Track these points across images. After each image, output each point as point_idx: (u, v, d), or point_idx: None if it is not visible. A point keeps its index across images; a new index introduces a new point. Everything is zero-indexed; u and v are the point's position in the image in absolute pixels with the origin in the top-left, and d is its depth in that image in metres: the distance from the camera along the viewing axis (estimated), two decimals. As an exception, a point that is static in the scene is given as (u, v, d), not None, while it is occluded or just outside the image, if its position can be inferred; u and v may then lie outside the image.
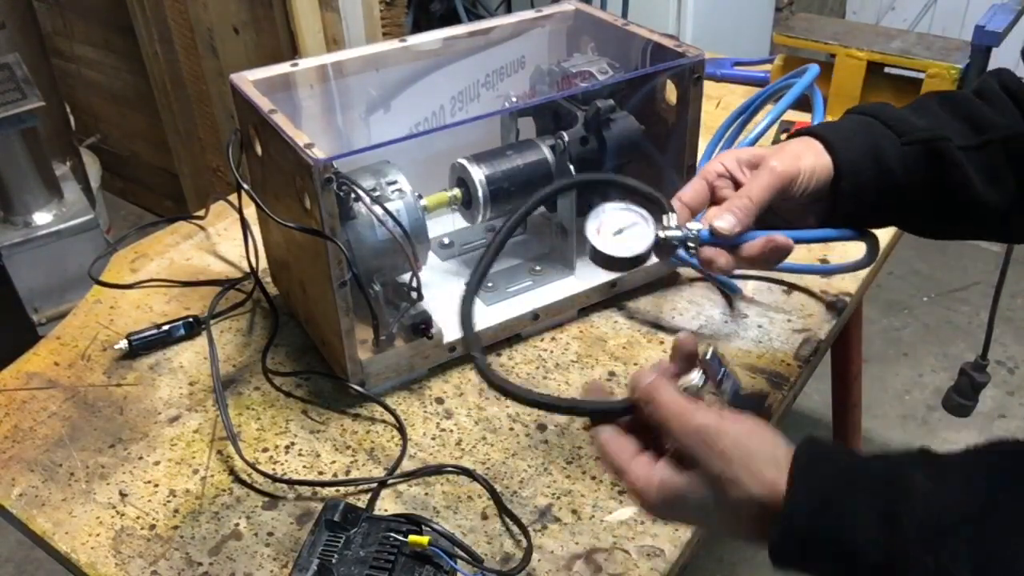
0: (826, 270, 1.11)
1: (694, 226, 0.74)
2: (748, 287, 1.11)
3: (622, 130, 1.04)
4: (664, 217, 0.74)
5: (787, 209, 0.77)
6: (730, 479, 0.57)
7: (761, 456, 0.58)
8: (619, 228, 0.74)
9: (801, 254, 1.15)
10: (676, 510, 0.62)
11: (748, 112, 1.20)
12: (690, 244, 0.74)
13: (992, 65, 1.30)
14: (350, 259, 0.86)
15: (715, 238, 0.73)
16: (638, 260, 0.73)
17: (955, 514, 0.51)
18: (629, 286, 1.09)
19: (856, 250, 1.11)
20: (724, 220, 0.73)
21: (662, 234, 0.73)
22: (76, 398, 0.99)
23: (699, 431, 0.59)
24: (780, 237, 0.74)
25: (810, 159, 0.75)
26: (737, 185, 0.77)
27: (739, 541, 0.64)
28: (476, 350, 0.68)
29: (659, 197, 0.75)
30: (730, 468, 0.58)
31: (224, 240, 1.24)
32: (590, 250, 0.74)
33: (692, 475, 0.60)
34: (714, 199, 0.77)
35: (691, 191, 0.77)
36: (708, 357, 0.64)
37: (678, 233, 0.73)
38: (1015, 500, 0.51)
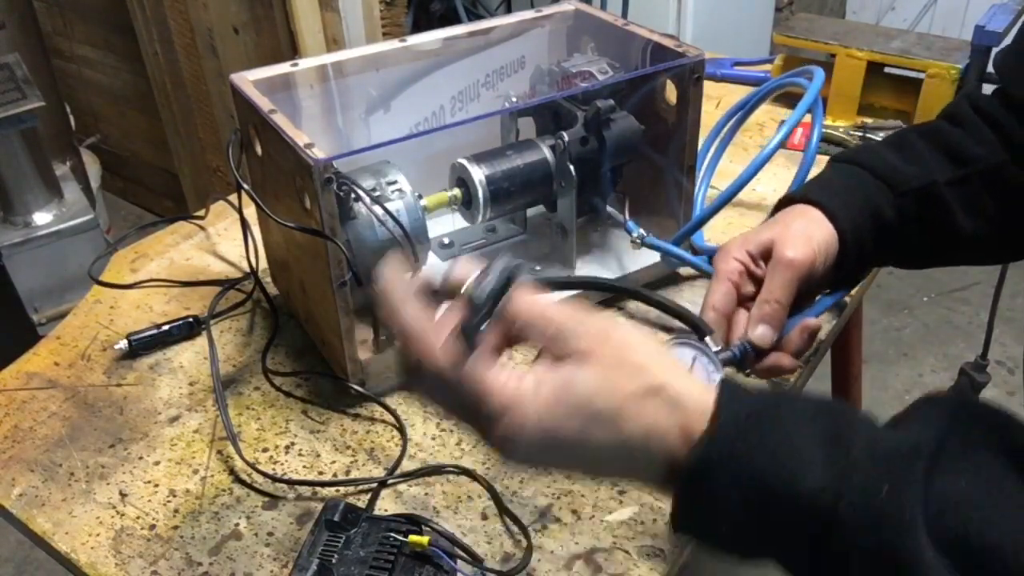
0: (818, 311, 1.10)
1: (736, 339, 0.76)
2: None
3: (622, 130, 1.04)
4: (708, 340, 0.75)
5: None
6: (654, 383, 0.49)
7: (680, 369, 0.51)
8: (687, 363, 0.74)
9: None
10: (563, 421, 0.50)
11: (744, 110, 1.20)
12: (745, 365, 0.76)
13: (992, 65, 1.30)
14: (350, 259, 0.86)
15: (753, 350, 0.75)
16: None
17: (904, 448, 0.47)
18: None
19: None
20: (762, 334, 0.73)
21: (722, 360, 0.74)
22: (76, 398, 0.99)
23: (601, 331, 0.50)
24: (811, 321, 0.76)
25: (818, 235, 0.75)
26: (753, 278, 0.78)
27: (628, 480, 0.54)
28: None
29: (698, 321, 0.76)
30: (652, 371, 0.49)
31: (224, 240, 1.24)
32: None
33: (590, 368, 0.49)
34: (738, 297, 0.78)
35: (720, 297, 0.77)
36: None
37: (730, 354, 0.75)
38: (963, 442, 0.47)
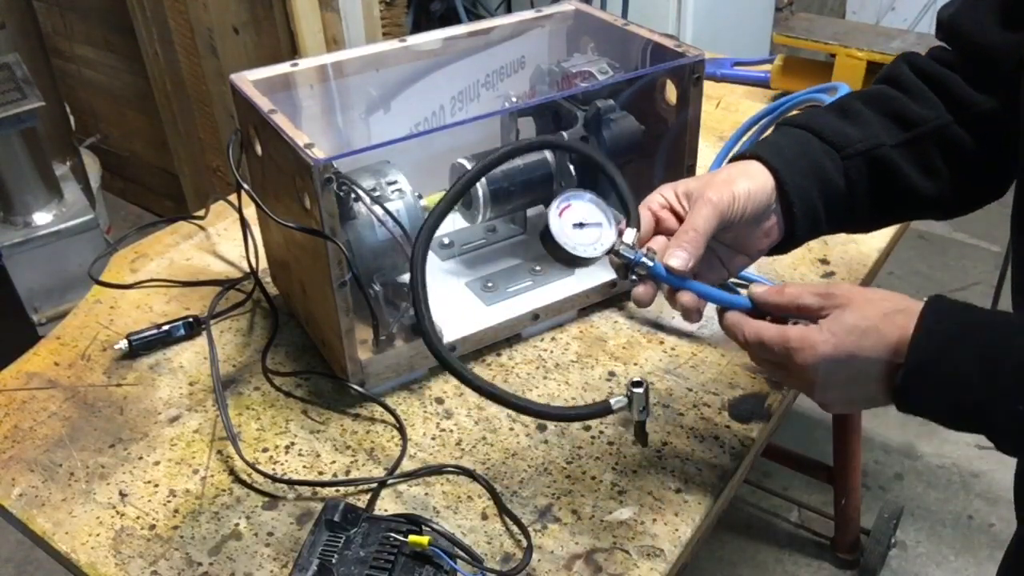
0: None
1: (646, 254, 0.73)
2: (743, 289, 1.10)
3: (622, 130, 1.04)
4: (626, 231, 0.73)
5: (736, 236, 0.78)
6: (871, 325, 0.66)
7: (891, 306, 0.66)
8: (581, 221, 0.74)
9: (802, 253, 1.15)
10: (846, 352, 0.66)
11: (770, 118, 1.19)
12: (637, 270, 0.73)
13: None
14: (350, 259, 0.86)
15: (669, 274, 0.73)
16: (585, 262, 0.73)
17: None
18: (629, 286, 1.09)
19: (856, 251, 1.11)
20: (677, 257, 0.73)
21: (619, 247, 0.73)
22: (76, 398, 0.98)
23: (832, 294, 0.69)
24: (698, 301, 0.76)
25: (744, 183, 0.76)
26: (677, 216, 0.78)
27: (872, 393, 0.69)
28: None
29: (633, 208, 0.75)
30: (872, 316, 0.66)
31: (224, 240, 1.24)
32: (543, 230, 0.73)
33: (850, 308, 0.67)
34: (658, 229, 0.78)
35: (643, 216, 0.77)
36: None
37: (631, 254, 0.73)
38: None
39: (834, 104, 0.84)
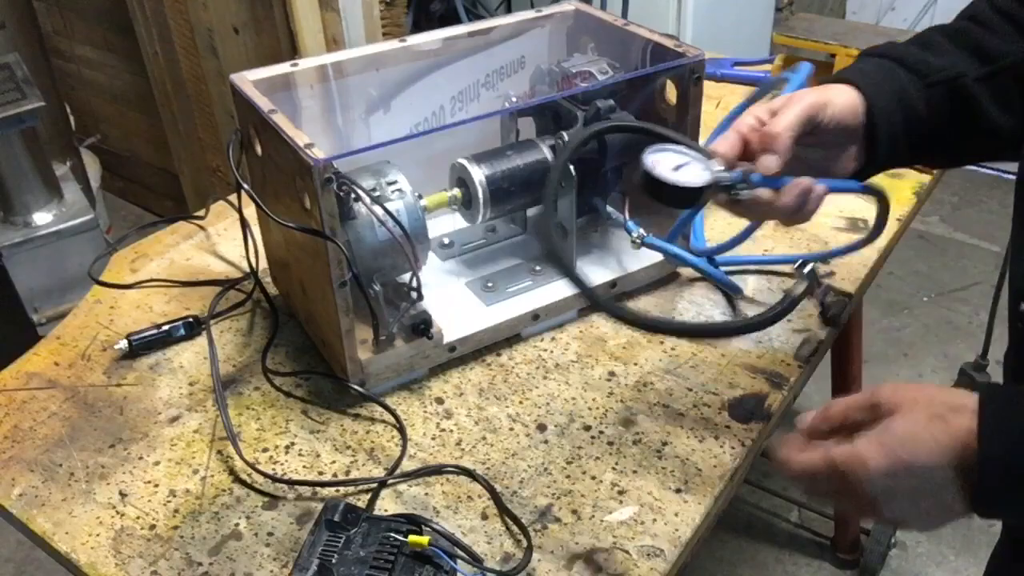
0: (833, 253, 1.12)
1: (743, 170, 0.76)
2: (748, 287, 1.11)
3: (622, 130, 1.04)
4: (713, 160, 0.76)
5: (822, 157, 0.80)
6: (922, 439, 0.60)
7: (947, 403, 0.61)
8: (677, 165, 0.76)
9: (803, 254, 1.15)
10: (902, 463, 0.61)
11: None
12: (739, 187, 0.75)
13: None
14: (350, 259, 0.86)
15: (764, 178, 0.75)
16: (698, 193, 0.75)
17: None
18: (629, 286, 1.09)
19: (857, 252, 1.10)
20: (766, 160, 0.74)
21: (717, 174, 0.75)
22: (76, 398, 0.98)
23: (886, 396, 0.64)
24: (815, 185, 0.76)
25: (837, 94, 0.78)
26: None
27: (942, 513, 0.63)
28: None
29: (701, 147, 0.78)
30: (920, 426, 0.61)
31: (224, 240, 1.24)
32: (646, 182, 0.75)
33: (899, 415, 0.62)
34: (746, 154, 0.78)
35: (726, 144, 0.78)
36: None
37: (728, 175, 0.75)
38: None
39: (915, 37, 0.86)
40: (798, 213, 0.77)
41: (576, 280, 0.84)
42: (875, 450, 0.61)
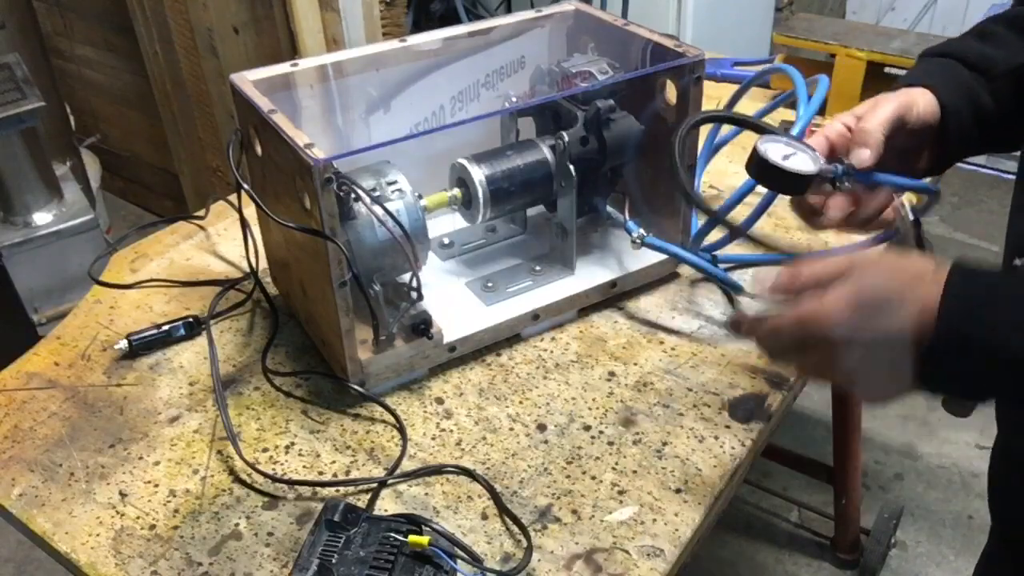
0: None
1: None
2: (749, 286, 1.11)
3: (622, 130, 1.04)
4: (815, 155, 0.80)
5: (901, 152, 0.82)
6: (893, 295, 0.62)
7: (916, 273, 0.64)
8: (785, 155, 0.79)
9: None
10: (868, 310, 0.63)
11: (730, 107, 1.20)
12: (838, 182, 0.79)
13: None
14: (350, 259, 0.86)
15: (854, 175, 0.79)
16: (807, 181, 0.79)
17: None
18: (629, 286, 1.09)
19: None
20: (859, 153, 0.78)
21: (822, 166, 0.79)
22: (76, 398, 0.98)
23: (853, 261, 0.66)
24: (898, 199, 0.82)
25: (921, 96, 0.82)
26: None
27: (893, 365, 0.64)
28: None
29: (801, 140, 0.82)
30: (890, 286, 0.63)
31: (224, 240, 1.24)
32: (760, 167, 0.79)
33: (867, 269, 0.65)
34: (833, 155, 0.82)
35: (816, 144, 0.81)
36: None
37: (833, 167, 0.79)
38: None
39: (973, 30, 0.89)
40: (872, 222, 0.82)
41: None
42: (843, 304, 0.63)
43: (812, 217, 0.82)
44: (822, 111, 1.49)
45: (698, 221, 1.13)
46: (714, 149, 1.26)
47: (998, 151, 0.92)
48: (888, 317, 0.62)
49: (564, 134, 1.01)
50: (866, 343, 0.63)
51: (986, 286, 0.62)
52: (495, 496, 0.85)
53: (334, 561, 0.74)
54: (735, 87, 1.58)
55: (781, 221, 1.09)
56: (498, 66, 1.13)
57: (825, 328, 0.63)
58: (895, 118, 0.79)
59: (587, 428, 0.92)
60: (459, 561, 0.75)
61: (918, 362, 0.62)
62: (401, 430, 0.92)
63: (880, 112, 0.80)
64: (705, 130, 1.19)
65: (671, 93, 1.03)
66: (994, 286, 0.62)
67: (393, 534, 0.76)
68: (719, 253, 1.10)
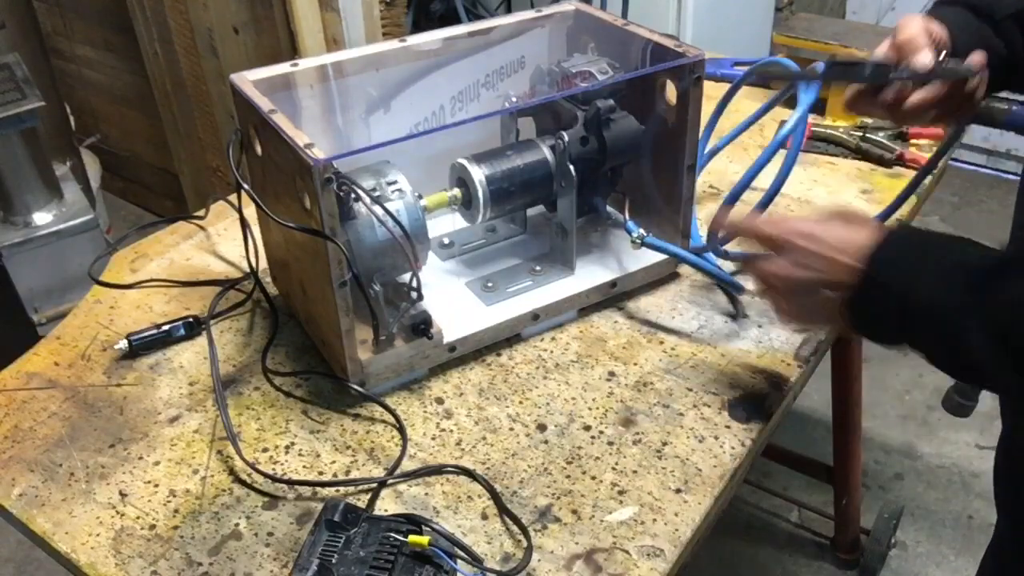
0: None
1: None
2: (748, 287, 1.11)
3: (622, 130, 1.04)
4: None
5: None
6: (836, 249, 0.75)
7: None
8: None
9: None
10: (823, 242, 0.76)
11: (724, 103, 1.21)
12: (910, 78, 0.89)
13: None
14: (350, 259, 0.86)
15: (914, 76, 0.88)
16: (886, 68, 0.89)
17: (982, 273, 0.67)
18: (629, 286, 1.09)
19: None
20: (922, 57, 0.87)
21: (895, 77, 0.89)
22: (76, 398, 0.99)
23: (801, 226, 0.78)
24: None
25: (938, 27, 0.91)
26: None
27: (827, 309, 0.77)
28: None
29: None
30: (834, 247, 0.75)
31: (224, 240, 1.24)
32: (835, 64, 0.91)
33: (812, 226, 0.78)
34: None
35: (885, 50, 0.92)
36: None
37: (900, 71, 0.89)
38: None
39: None
40: (947, 104, 0.89)
41: None
42: (811, 230, 0.77)
43: (895, 109, 0.90)
44: (822, 111, 1.50)
45: (698, 224, 1.13)
46: (714, 151, 1.26)
47: (1013, 91, 0.99)
48: (825, 272, 0.75)
49: (564, 134, 1.01)
50: (808, 291, 0.78)
51: (909, 245, 0.73)
52: (495, 496, 0.85)
53: (334, 561, 0.74)
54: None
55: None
56: (498, 66, 1.13)
57: (793, 244, 0.78)
58: (925, 27, 0.88)
59: (587, 428, 0.92)
60: (459, 561, 0.75)
61: (846, 307, 0.75)
62: (401, 430, 0.92)
63: (911, 23, 0.88)
64: (704, 129, 1.19)
65: (671, 93, 1.03)
66: (916, 245, 0.73)
67: (393, 534, 0.76)
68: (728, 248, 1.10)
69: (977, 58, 0.88)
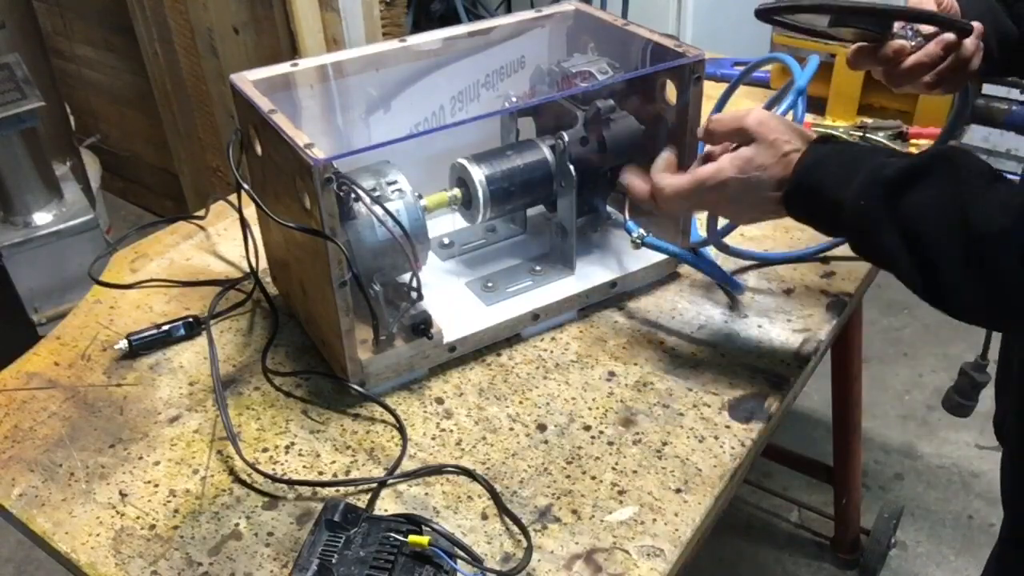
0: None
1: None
2: (749, 285, 1.11)
3: (622, 130, 1.04)
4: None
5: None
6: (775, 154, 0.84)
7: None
8: None
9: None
10: (747, 178, 0.84)
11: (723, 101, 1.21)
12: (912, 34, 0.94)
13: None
14: (350, 259, 0.86)
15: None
16: (890, 13, 0.92)
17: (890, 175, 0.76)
18: (629, 286, 1.09)
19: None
20: (925, 3, 0.92)
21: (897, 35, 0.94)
22: (76, 398, 0.99)
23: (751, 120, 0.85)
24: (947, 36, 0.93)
25: (950, 5, 0.95)
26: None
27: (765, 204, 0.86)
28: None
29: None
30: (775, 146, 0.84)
31: (224, 240, 1.24)
32: (850, 8, 0.91)
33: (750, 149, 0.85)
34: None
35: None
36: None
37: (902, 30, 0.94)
38: (939, 171, 0.76)
39: None
40: (943, 70, 0.94)
41: None
42: (734, 167, 0.85)
43: (893, 68, 0.95)
44: (822, 111, 1.50)
45: (698, 224, 1.13)
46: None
47: (1019, 75, 1.03)
48: (766, 171, 0.84)
49: (564, 134, 1.01)
50: (742, 193, 0.86)
51: (833, 152, 0.82)
52: (495, 496, 0.85)
53: (334, 561, 0.74)
54: (735, 87, 1.59)
55: (780, 222, 1.09)
56: (498, 66, 1.13)
57: (719, 182, 0.86)
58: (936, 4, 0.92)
59: (587, 428, 0.92)
60: (459, 561, 0.75)
61: (782, 203, 0.84)
62: (401, 430, 0.92)
63: None
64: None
65: (671, 93, 1.03)
66: (838, 152, 0.82)
67: (393, 534, 0.76)
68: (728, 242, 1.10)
69: (978, 24, 0.91)
